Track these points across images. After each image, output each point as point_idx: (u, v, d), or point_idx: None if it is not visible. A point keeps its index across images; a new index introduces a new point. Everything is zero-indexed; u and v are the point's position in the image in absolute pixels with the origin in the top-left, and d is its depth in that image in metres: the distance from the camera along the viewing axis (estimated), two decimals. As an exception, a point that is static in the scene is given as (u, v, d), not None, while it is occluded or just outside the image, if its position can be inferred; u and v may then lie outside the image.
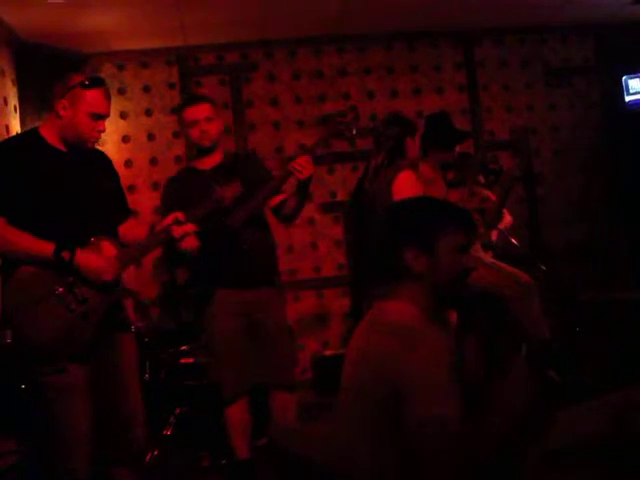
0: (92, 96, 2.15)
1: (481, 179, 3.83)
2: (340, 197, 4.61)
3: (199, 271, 2.75)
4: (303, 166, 2.64)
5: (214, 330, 2.79)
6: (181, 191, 2.74)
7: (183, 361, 3.57)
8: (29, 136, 2.23)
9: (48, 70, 4.16)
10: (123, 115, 4.49)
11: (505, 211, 3.68)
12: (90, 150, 2.27)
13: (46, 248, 2.08)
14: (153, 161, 4.42)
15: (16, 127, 3.91)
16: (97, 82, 2.19)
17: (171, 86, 4.56)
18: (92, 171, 2.26)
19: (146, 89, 4.54)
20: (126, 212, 2.42)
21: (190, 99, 3.10)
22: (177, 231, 2.30)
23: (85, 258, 2.11)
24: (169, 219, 2.30)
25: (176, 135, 4.32)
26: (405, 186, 3.03)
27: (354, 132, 2.76)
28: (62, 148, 2.20)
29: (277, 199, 2.81)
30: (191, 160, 2.95)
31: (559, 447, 1.43)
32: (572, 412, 1.50)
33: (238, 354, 2.77)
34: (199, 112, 2.78)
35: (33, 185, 2.11)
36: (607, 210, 4.77)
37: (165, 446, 3.19)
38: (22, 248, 2.08)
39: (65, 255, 2.08)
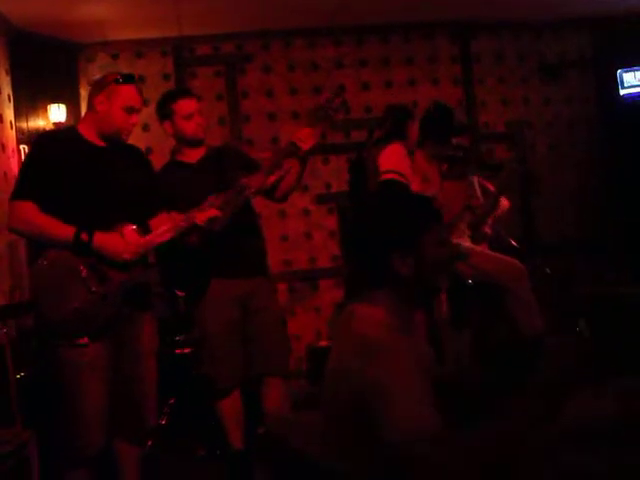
0: (126, 91, 2.36)
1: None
2: (335, 188, 4.67)
3: (193, 261, 2.80)
4: (307, 137, 2.71)
5: (208, 321, 2.84)
6: (170, 185, 2.77)
7: (178, 352, 3.62)
8: (66, 130, 2.45)
9: (42, 59, 4.20)
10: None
11: (501, 197, 3.74)
12: (126, 146, 2.45)
13: (67, 231, 2.24)
14: (148, 151, 4.46)
15: (10, 116, 3.94)
16: (130, 78, 2.40)
17: (166, 77, 4.60)
18: (126, 165, 2.41)
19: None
20: (157, 206, 2.53)
21: (179, 92, 3.18)
22: (200, 217, 2.47)
23: (103, 239, 2.26)
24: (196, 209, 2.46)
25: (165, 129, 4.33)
26: (392, 155, 3.15)
27: (340, 115, 2.83)
28: (98, 143, 2.38)
29: (271, 179, 2.84)
30: (175, 154, 2.98)
31: (571, 430, 1.41)
32: (581, 396, 1.47)
33: (232, 345, 2.82)
34: (193, 105, 2.86)
35: (64, 175, 2.28)
36: (603, 204, 4.85)
37: (159, 436, 3.23)
38: (46, 232, 2.25)
39: (84, 237, 2.23)
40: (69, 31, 4.21)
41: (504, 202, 3.80)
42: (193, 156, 2.90)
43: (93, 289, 2.25)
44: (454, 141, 3.45)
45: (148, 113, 4.53)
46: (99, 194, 2.31)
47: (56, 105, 4.11)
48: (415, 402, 1.32)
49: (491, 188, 3.77)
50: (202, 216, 2.49)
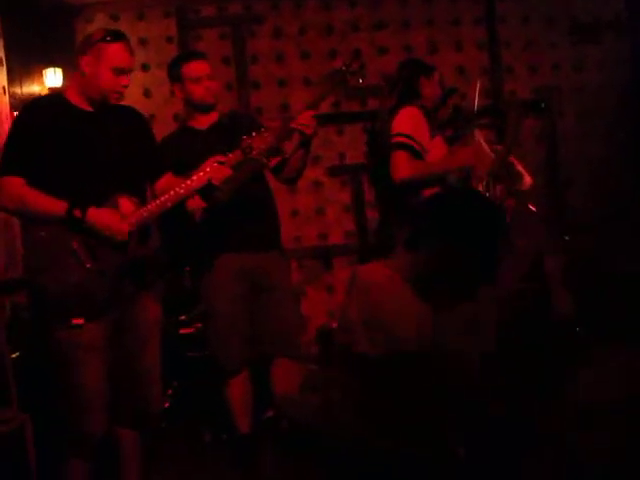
0: (114, 50, 2.24)
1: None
2: (349, 160, 4.53)
3: (198, 235, 2.70)
4: (309, 121, 2.61)
5: (214, 298, 2.77)
6: (178, 151, 2.71)
7: (182, 331, 3.55)
8: (52, 97, 2.37)
9: (37, 20, 4.08)
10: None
11: (523, 171, 3.55)
12: (119, 107, 2.34)
13: (60, 207, 2.17)
14: (150, 119, 4.34)
15: (2, 81, 3.83)
16: (118, 36, 2.27)
17: (169, 40, 4.48)
18: (120, 130, 2.32)
19: (142, 42, 4.45)
20: (159, 169, 2.45)
21: (190, 54, 3.11)
22: (216, 175, 2.32)
23: (98, 215, 2.19)
24: (207, 163, 2.34)
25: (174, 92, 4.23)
26: (403, 119, 2.97)
27: (361, 81, 2.70)
28: (87, 108, 2.28)
29: (275, 160, 2.76)
30: (186, 119, 2.91)
31: (583, 406, 1.43)
32: (594, 373, 1.50)
33: (240, 323, 2.76)
34: (202, 68, 2.80)
35: (52, 144, 2.20)
36: (635, 176, 4.68)
37: (163, 421, 3.17)
38: (38, 208, 2.18)
39: (77, 213, 2.16)
40: (66, -10, 4.09)
41: (527, 178, 3.63)
42: (204, 122, 2.84)
43: (88, 266, 2.19)
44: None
45: (149, 78, 4.51)
46: (89, 163, 2.23)
47: (52, 69, 4.02)
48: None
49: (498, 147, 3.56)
50: (218, 174, 2.34)
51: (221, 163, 2.35)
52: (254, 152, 2.42)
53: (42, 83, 4.06)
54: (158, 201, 2.30)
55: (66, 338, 2.19)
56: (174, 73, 2.84)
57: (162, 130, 2.95)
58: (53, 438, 2.40)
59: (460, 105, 3.55)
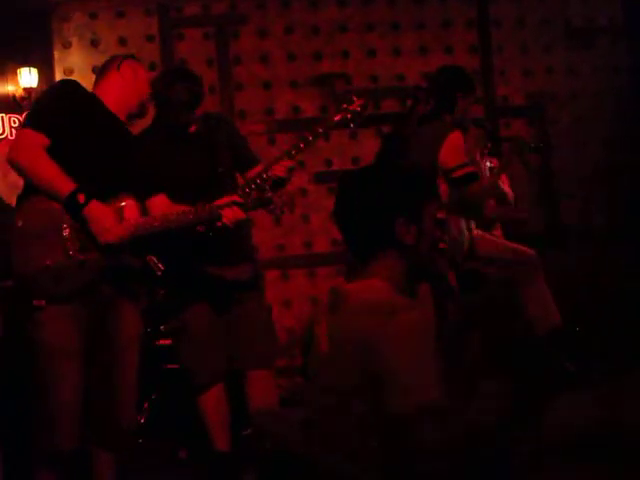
0: (141, 65, 2.53)
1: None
2: (336, 166, 4.57)
3: (171, 248, 2.71)
4: (285, 172, 2.67)
5: (186, 310, 2.79)
6: (150, 153, 2.66)
7: (160, 342, 3.56)
8: (89, 91, 2.44)
9: (11, 19, 4.10)
10: (96, 70, 4.40)
11: (504, 182, 3.66)
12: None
13: (67, 185, 2.19)
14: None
15: (-23, 81, 3.86)
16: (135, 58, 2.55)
17: (149, 39, 4.50)
18: (129, 143, 2.45)
19: (122, 41, 4.47)
20: (152, 188, 2.49)
21: (179, 76, 3.03)
22: (229, 217, 2.42)
23: (97, 209, 2.22)
24: (226, 200, 2.44)
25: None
26: (455, 148, 3.13)
27: (358, 122, 2.75)
28: (118, 114, 2.43)
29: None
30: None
31: (553, 443, 1.45)
32: (566, 405, 1.53)
33: (212, 336, 2.78)
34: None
35: (82, 128, 2.27)
36: (631, 187, 4.75)
37: (138, 435, 3.17)
38: (47, 176, 2.20)
39: (80, 198, 2.18)
40: (41, -14, 4.12)
41: (510, 195, 3.75)
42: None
43: (71, 253, 2.20)
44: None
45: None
46: (109, 161, 2.30)
47: (27, 69, 4.07)
48: (427, 372, 1.40)
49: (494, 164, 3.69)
50: (231, 216, 2.43)
51: (239, 205, 2.45)
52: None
53: (17, 83, 4.09)
54: (161, 218, 2.35)
55: (39, 339, 2.21)
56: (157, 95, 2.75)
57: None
58: (24, 451, 2.41)
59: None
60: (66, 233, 2.20)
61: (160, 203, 2.47)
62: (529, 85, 4.77)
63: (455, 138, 3.15)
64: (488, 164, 3.73)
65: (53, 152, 2.21)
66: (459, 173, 3.14)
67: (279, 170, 2.67)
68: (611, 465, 1.36)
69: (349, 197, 1.59)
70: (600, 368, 3.16)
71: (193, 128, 2.81)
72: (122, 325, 2.35)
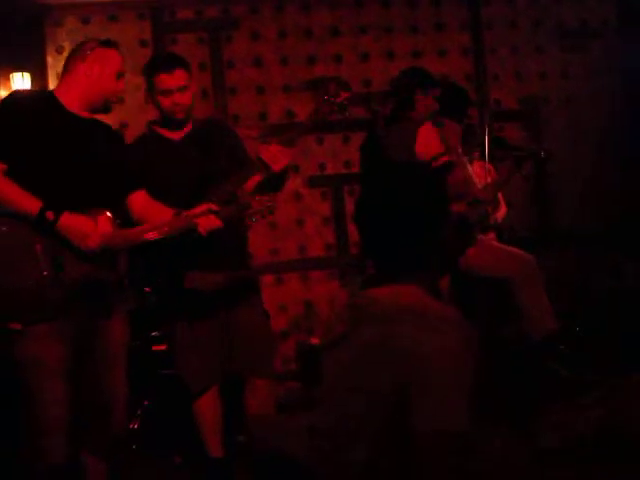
0: (114, 55, 2.40)
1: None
2: (330, 170, 4.60)
3: (165, 252, 2.72)
4: (276, 156, 2.60)
5: (179, 316, 2.81)
6: (149, 161, 2.73)
7: (155, 348, 3.58)
8: (39, 93, 2.45)
9: (3, 24, 4.10)
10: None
11: (501, 200, 3.71)
12: (101, 122, 2.45)
13: (33, 205, 2.19)
14: (123, 126, 4.39)
15: (-32, 86, 3.88)
16: (113, 43, 2.43)
17: (143, 44, 4.51)
18: (102, 140, 2.41)
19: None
20: (133, 184, 2.48)
21: (163, 63, 3.07)
22: (204, 225, 2.38)
23: (71, 219, 2.20)
24: (201, 208, 2.37)
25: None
26: (427, 139, 3.14)
27: (347, 114, 2.73)
28: (79, 112, 2.36)
29: (251, 184, 2.74)
30: (157, 125, 2.91)
31: (553, 446, 1.45)
32: (565, 410, 1.53)
33: (206, 342, 2.79)
34: (173, 80, 2.76)
35: (37, 141, 2.25)
36: (625, 189, 4.79)
37: (132, 441, 3.19)
38: (10, 199, 2.20)
39: (49, 215, 2.18)
40: (33, -9, 4.14)
41: (503, 209, 3.81)
42: (177, 133, 2.84)
43: (45, 273, 2.19)
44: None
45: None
46: (74, 168, 2.27)
47: (19, 74, 4.08)
48: (461, 399, 1.36)
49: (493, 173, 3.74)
50: (206, 225, 2.40)
51: (214, 212, 2.39)
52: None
53: (9, 88, 4.09)
54: (137, 231, 2.33)
55: (21, 359, 2.21)
56: (147, 80, 2.85)
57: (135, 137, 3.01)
58: (15, 464, 2.43)
59: (473, 124, 3.73)
60: (38, 251, 2.18)
61: (141, 199, 2.46)
62: (522, 88, 4.80)
63: (425, 130, 3.18)
64: (486, 168, 3.75)
65: (15, 173, 2.20)
66: (436, 164, 3.17)
67: (274, 154, 2.60)
68: (611, 465, 1.36)
69: (388, 204, 1.53)
70: (593, 372, 3.20)
71: (189, 128, 2.83)
72: (110, 333, 2.36)
